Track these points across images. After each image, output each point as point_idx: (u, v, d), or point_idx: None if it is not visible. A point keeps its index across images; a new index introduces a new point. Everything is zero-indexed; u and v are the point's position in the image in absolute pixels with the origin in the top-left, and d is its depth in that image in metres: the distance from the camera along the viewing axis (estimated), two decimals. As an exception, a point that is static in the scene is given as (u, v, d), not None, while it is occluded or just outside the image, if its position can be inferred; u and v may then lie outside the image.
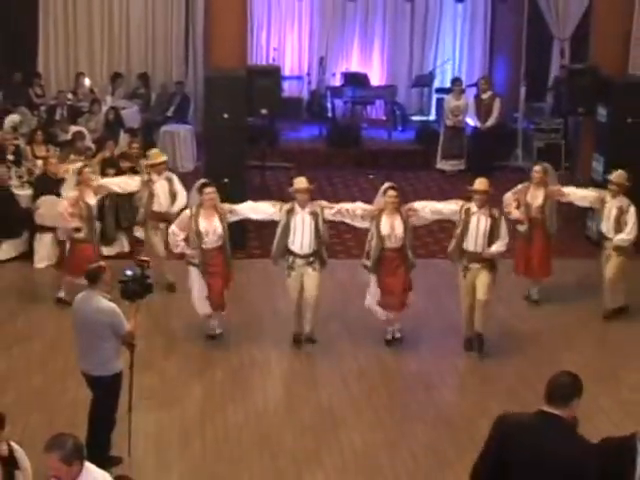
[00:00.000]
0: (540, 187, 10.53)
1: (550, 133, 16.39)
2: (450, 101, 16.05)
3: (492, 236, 9.17)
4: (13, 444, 5.87)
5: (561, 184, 10.79)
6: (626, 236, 10.00)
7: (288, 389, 8.96)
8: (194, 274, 9.38)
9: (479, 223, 9.17)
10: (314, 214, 9.19)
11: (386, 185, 9.36)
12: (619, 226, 10.06)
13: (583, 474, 4.86)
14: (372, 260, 9.26)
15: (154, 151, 11.27)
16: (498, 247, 9.21)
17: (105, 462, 6.60)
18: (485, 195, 9.23)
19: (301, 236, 9.15)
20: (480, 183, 9.31)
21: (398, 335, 9.66)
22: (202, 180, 9.57)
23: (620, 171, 10.35)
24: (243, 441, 7.92)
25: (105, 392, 7.31)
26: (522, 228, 10.59)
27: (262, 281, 11.12)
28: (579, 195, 10.62)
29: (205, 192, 9.22)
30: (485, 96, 15.83)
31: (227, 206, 9.42)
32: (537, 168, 10.70)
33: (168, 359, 9.27)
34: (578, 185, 11.33)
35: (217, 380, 8.88)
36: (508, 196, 10.66)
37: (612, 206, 10.15)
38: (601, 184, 12.58)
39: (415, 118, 17.95)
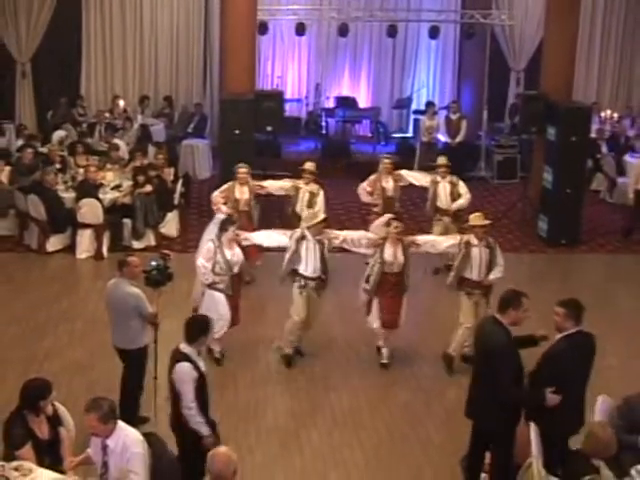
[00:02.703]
0: (245, 185, 10.45)
1: (508, 149, 16.33)
2: (425, 121, 16.02)
3: (490, 263, 8.50)
4: (57, 404, 5.89)
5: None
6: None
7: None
8: (221, 300, 8.41)
9: (481, 254, 8.45)
10: (321, 242, 8.50)
11: (390, 216, 8.87)
12: (311, 206, 10.27)
13: (502, 360, 5.80)
14: (372, 284, 8.52)
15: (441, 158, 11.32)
16: (496, 274, 8.49)
17: (135, 421, 6.62)
18: (484, 229, 8.52)
19: (312, 261, 8.46)
20: (478, 218, 8.52)
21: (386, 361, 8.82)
22: (224, 217, 8.84)
23: (310, 162, 10.83)
24: (250, 404, 7.94)
25: (134, 363, 7.33)
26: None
27: (263, 273, 11.07)
28: (276, 186, 10.70)
29: (231, 230, 8.45)
30: (454, 117, 15.80)
31: (243, 234, 8.75)
32: (243, 170, 10.45)
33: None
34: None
35: (227, 356, 8.79)
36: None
37: (305, 191, 10.52)
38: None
39: (396, 135, 17.85)
